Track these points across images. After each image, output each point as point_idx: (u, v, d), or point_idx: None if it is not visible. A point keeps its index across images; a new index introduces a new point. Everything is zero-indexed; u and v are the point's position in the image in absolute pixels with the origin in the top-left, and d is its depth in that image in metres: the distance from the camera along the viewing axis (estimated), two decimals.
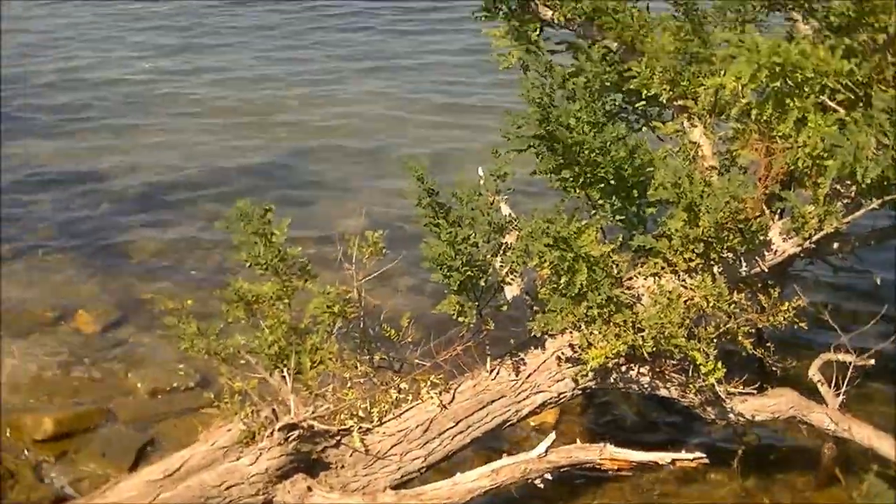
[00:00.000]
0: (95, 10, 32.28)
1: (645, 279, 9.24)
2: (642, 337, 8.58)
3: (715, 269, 9.03)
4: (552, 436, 9.23)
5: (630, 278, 9.31)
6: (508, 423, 9.50)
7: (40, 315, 15.29)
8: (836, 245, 10.23)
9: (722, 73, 8.60)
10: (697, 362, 8.69)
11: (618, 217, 9.40)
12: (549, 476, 9.19)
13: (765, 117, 8.71)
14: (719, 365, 8.83)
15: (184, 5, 32.10)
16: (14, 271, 16.60)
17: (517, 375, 9.24)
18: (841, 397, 9.51)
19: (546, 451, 9.06)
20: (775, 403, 9.48)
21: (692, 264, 8.93)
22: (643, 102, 9.95)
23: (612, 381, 9.32)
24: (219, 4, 31.91)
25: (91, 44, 28.85)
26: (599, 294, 8.52)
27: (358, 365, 9.23)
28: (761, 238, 9.14)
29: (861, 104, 8.58)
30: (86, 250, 17.32)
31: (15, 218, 18.53)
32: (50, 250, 17.34)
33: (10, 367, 13.82)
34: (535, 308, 9.30)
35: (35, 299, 15.73)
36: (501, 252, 9.07)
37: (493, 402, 9.21)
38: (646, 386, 9.22)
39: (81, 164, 20.81)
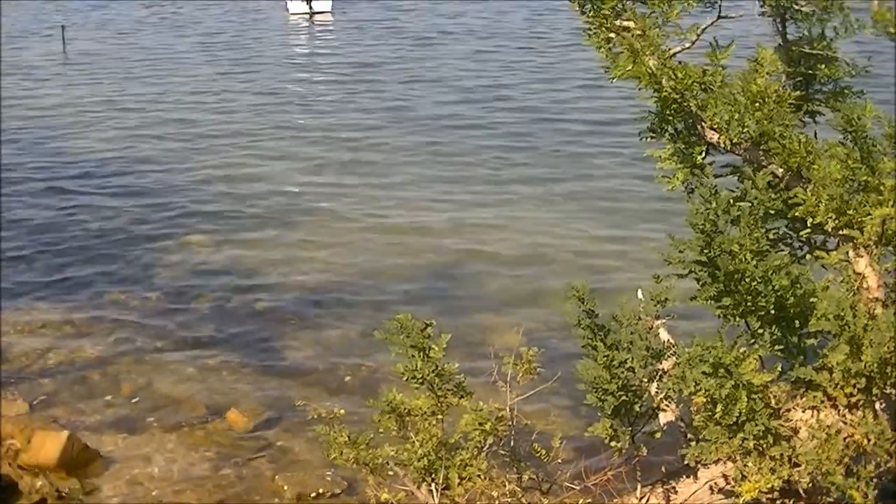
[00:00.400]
0: (257, 120, 34.17)
1: (803, 412, 9.10)
2: (798, 472, 8.42)
3: (877, 405, 8.83)
4: None
5: (788, 410, 9.20)
6: None
7: (194, 410, 15.93)
8: None
9: (891, 202, 8.55)
10: (856, 502, 8.47)
11: (777, 347, 9.33)
12: None
13: None
14: None
15: (350, 122, 33.42)
16: (172, 366, 17.38)
17: None
18: None
19: None
20: None
21: (853, 399, 8.76)
22: (808, 230, 9.88)
23: None
24: (379, 124, 33.07)
25: (257, 152, 30.26)
26: (756, 425, 8.43)
27: (506, 483, 9.28)
28: None
29: None
30: (241, 349, 18.00)
31: (175, 314, 19.46)
32: (207, 348, 18.09)
33: (162, 460, 14.45)
34: (689, 436, 9.22)
35: (190, 395, 16.40)
36: (658, 378, 9.09)
37: None
38: None
39: (240, 265, 21.81)
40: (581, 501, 9.35)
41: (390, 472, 9.35)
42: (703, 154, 10.47)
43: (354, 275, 20.95)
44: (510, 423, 9.49)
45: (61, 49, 48.52)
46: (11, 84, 40.77)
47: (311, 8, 56.43)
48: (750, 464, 8.57)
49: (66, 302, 20.08)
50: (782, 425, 8.89)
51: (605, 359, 8.63)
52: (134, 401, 16.24)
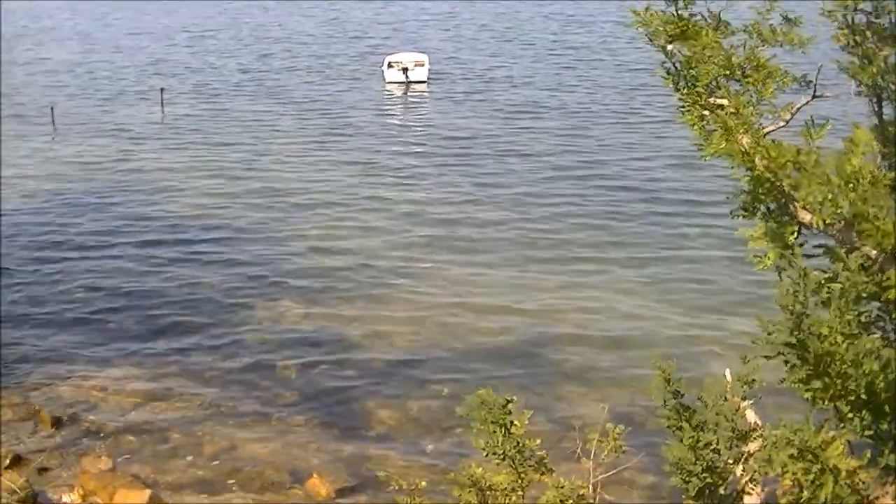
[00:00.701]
0: (349, 191, 34.67)
1: (893, 500, 8.96)
2: None
3: None
4: None
5: (877, 498, 9.04)
6: None
7: (275, 475, 16.17)
8: None
9: None
10: None
11: (867, 432, 9.20)
12: None
13: None
14: None
15: (441, 196, 33.71)
16: (254, 430, 17.68)
17: None
18: None
19: None
20: None
21: None
22: None
23: None
24: (470, 198, 33.33)
25: (347, 224, 30.69)
26: None
27: None
28: None
29: None
30: (325, 416, 18.27)
31: (259, 380, 19.82)
32: (290, 414, 18.37)
33: None
34: None
35: (271, 459, 16.66)
36: (743, 460, 9.04)
37: None
38: None
39: (326, 335, 22.16)
40: None
41: None
42: (795, 234, 10.47)
43: (438, 350, 21.15)
44: (592, 500, 9.49)
45: (159, 111, 50.04)
46: (108, 145, 42.27)
47: (407, 77, 57.46)
48: None
49: (152, 363, 20.62)
50: None
51: (691, 440, 8.58)
52: (215, 463, 16.56)
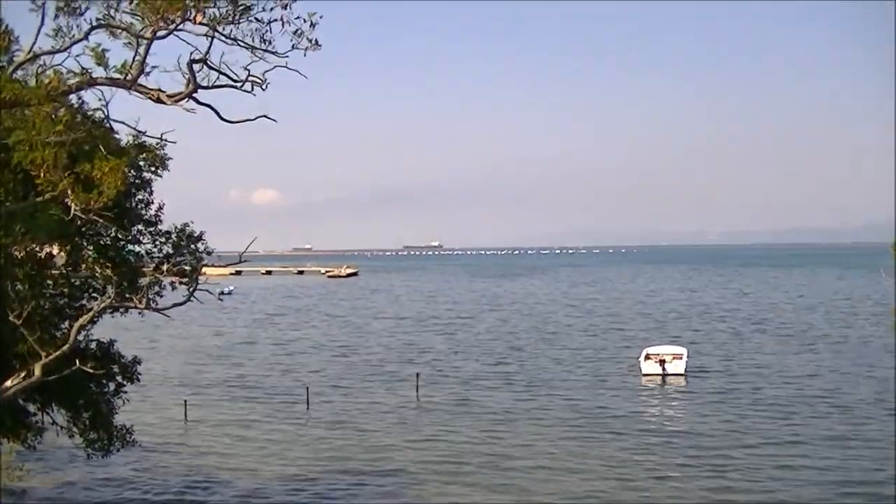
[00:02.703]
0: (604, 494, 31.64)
1: None
2: None
3: None
4: None
5: None
6: None
7: None
8: None
9: None
10: None
11: None
12: None
13: None
14: None
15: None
16: None
17: None
18: None
19: None
20: None
21: None
22: None
23: None
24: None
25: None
26: None
27: None
28: None
29: None
30: None
31: None
32: None
33: None
34: None
35: None
36: None
37: None
38: None
39: None
40: None
41: None
42: None
43: None
44: None
45: (414, 395, 48.89)
46: (359, 427, 41.26)
47: (664, 370, 54.62)
48: None
49: None
50: None
51: None
52: None
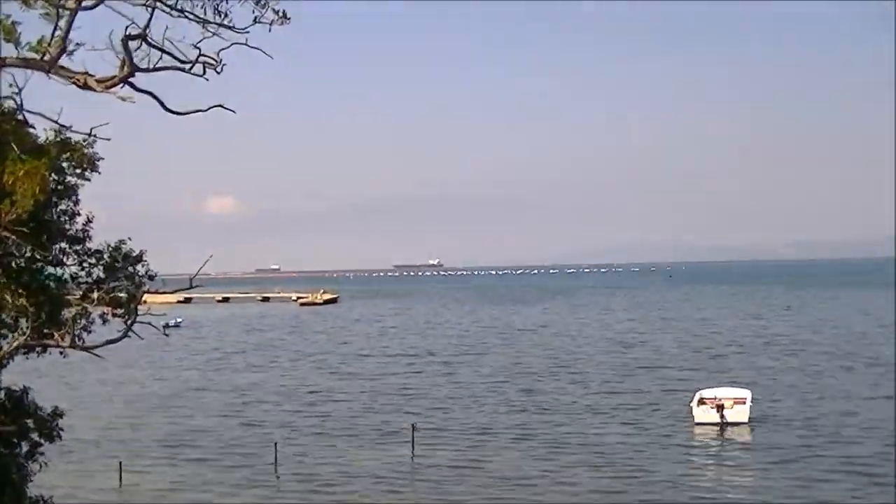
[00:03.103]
0: None
1: None
2: None
3: None
4: None
5: None
6: None
7: None
8: None
9: None
10: None
11: None
12: None
13: None
14: None
15: None
16: None
17: None
18: None
19: None
20: None
21: None
22: None
23: None
24: None
25: None
26: None
27: None
28: None
29: None
30: None
31: None
32: None
33: None
34: None
35: None
36: None
37: None
38: None
39: None
40: None
41: None
42: None
43: None
44: None
45: (409, 453, 49.10)
46: (334, 492, 40.89)
47: (723, 418, 54.83)
48: None
49: None
50: None
51: None
52: None
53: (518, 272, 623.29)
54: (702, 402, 56.90)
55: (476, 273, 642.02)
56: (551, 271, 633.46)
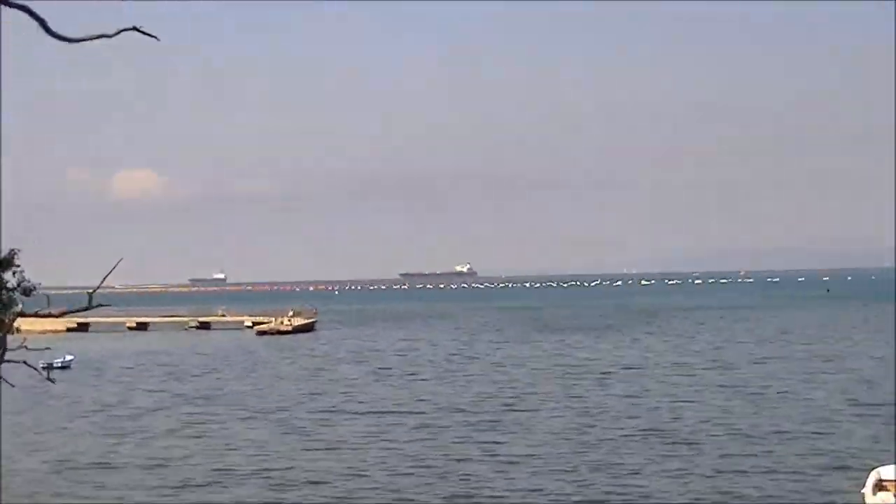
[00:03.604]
0: None
1: None
2: None
3: None
4: None
5: None
6: None
7: None
8: None
9: None
10: None
11: None
12: None
13: None
14: None
15: None
16: None
17: None
18: None
19: None
20: None
21: None
22: None
23: None
24: None
25: None
26: None
27: None
28: None
29: None
30: None
31: None
32: None
33: None
34: None
35: None
36: None
37: None
38: None
39: None
40: None
41: None
42: None
43: None
44: None
45: None
46: None
47: None
48: None
49: None
50: None
51: None
52: None
53: (581, 282, 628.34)
54: (879, 485, 57.14)
55: (527, 285, 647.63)
56: (615, 283, 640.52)
